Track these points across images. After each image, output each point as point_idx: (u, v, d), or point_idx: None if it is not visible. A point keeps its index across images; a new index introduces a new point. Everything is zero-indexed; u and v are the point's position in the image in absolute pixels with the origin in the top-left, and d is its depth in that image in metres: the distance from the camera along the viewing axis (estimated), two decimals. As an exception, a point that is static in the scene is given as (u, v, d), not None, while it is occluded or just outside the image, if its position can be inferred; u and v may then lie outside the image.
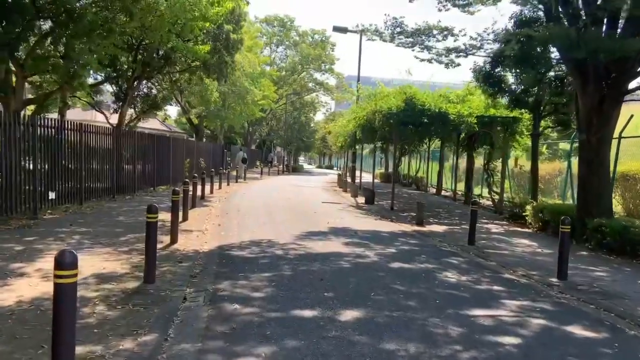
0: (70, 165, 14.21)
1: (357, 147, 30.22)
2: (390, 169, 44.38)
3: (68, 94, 15.98)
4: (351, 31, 25.28)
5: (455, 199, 23.57)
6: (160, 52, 21.00)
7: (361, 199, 22.37)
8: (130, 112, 24.49)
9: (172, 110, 78.39)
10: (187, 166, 27.29)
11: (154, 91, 24.34)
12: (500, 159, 20.19)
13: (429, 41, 13.65)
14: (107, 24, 12.89)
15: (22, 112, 13.16)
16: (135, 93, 22.00)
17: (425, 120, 17.35)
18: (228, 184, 28.08)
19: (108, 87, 24.62)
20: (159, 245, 9.26)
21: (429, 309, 6.11)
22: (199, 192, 21.13)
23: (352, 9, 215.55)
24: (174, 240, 9.88)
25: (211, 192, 21.83)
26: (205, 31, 19.45)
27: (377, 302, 6.31)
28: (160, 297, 6.26)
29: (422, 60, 14.59)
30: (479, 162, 27.12)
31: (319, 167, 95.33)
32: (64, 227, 10.92)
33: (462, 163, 33.61)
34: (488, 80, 15.39)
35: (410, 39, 13.74)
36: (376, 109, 18.00)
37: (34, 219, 11.88)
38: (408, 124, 17.32)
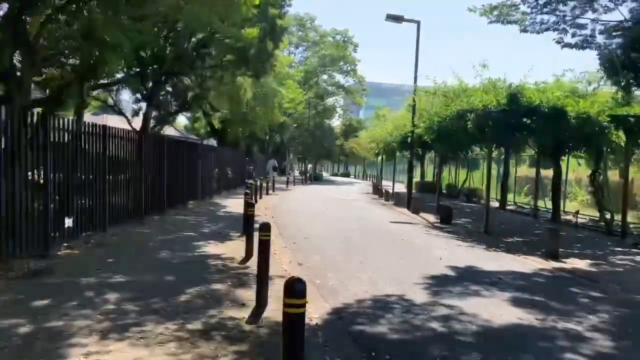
0: (91, 181, 10.79)
1: (402, 153, 26.81)
2: (427, 178, 40.89)
3: (88, 89, 12.54)
4: (408, 20, 21.79)
5: (536, 216, 20.00)
6: (193, 41, 17.63)
7: (428, 215, 18.89)
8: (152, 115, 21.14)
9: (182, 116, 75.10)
10: (215, 177, 23.88)
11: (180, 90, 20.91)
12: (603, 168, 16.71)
13: (591, 7, 10.19)
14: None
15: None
16: (162, 92, 18.59)
17: (528, 121, 13.89)
18: (261, 197, 24.58)
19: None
20: (240, 313, 5.88)
21: None
22: (240, 209, 17.69)
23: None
24: (261, 301, 6.35)
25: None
26: (249, 16, 16.05)
27: None
28: None
29: (565, 46, 11.15)
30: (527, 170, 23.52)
31: (334, 175, 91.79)
32: (89, 273, 7.46)
33: (520, 171, 30.14)
34: (626, 68, 11.88)
35: (553, 16, 10.34)
36: (465, 108, 14.49)
37: (44, 256, 8.47)
38: (511, 126, 13.83)
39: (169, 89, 20.79)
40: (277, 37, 18.25)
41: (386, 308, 6.50)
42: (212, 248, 10.25)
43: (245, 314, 5.97)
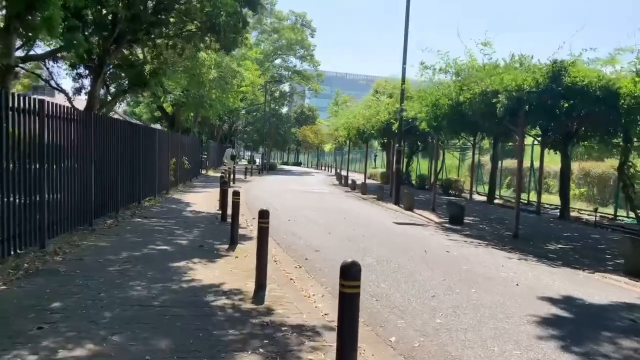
0: (22, 175, 7.55)
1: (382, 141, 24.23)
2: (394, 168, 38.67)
3: (14, 54, 9.08)
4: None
5: (539, 212, 17.98)
6: (149, 5, 14.36)
7: (426, 213, 16.48)
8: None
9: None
10: (172, 168, 20.56)
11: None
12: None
13: None
14: None
15: None
16: (111, 64, 15.15)
17: (566, 105, 11.64)
18: (225, 191, 21.42)
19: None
20: None
21: None
22: (213, 207, 14.63)
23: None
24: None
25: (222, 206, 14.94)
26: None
27: None
28: None
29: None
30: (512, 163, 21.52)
31: (284, 163, 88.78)
32: (22, 338, 4.45)
33: (488, 163, 28.20)
34: None
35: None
36: (495, 88, 12.06)
37: (-52, 302, 5.33)
38: (550, 109, 11.55)
39: (117, 62, 17.28)
40: (254, 1, 15.15)
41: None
42: (201, 272, 7.31)
43: None
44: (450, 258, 9.43)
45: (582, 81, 11.21)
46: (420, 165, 35.26)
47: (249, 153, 79.86)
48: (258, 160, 58.86)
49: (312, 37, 52.77)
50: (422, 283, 7.37)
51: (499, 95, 11.81)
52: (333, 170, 50.70)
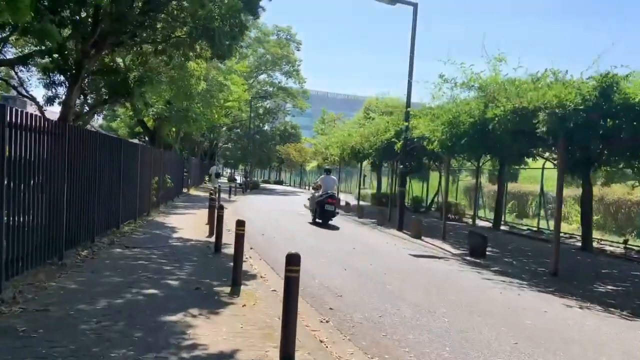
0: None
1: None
2: (384, 189, 37.23)
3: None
4: (403, 2, 17.97)
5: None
6: (137, 5, 12.70)
7: (438, 242, 14.96)
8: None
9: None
10: (154, 187, 18.72)
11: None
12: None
13: None
14: None
15: None
16: (90, 70, 13.40)
17: (610, 123, 10.28)
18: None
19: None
20: None
21: None
22: (202, 232, 12.81)
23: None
24: None
25: (213, 233, 12.87)
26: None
27: None
28: None
29: None
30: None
31: (264, 182, 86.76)
32: None
33: (488, 186, 26.77)
34: None
35: None
36: (535, 105, 10.65)
37: None
38: (596, 129, 10.19)
39: (97, 68, 15.49)
40: (254, 3, 13.58)
41: None
42: (204, 331, 5.59)
43: None
44: (501, 306, 7.84)
45: (634, 98, 9.87)
46: (413, 187, 33.89)
47: (229, 170, 77.74)
48: (238, 178, 56.81)
49: (298, 50, 51.49)
50: (492, 349, 5.75)
51: (538, 112, 10.41)
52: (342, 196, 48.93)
